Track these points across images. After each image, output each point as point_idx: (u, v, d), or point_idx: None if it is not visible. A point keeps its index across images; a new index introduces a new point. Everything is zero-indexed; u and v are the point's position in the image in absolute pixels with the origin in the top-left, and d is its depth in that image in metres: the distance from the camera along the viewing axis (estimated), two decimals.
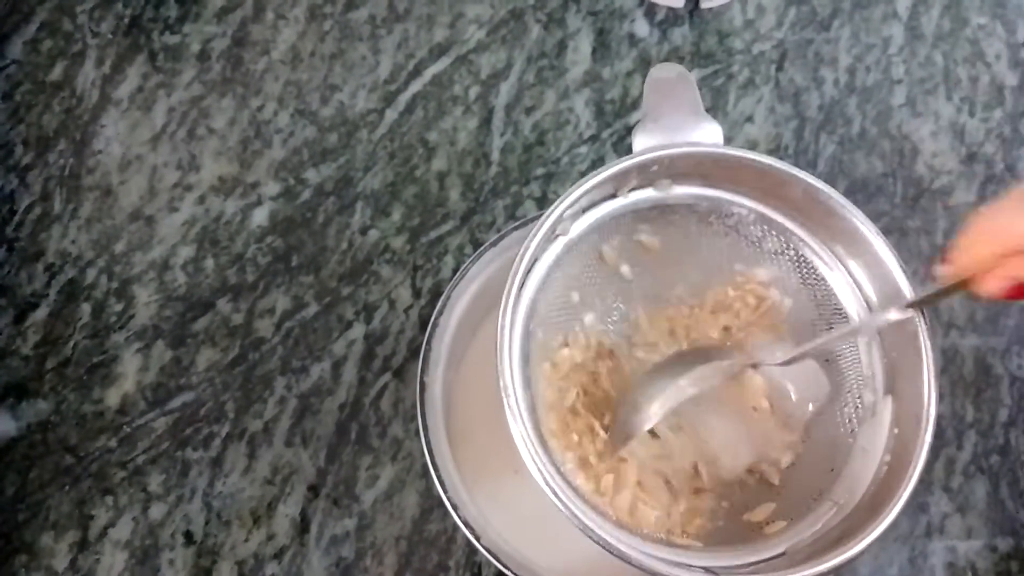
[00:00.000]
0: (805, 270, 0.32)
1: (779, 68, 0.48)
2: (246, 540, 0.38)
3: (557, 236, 0.30)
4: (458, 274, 0.35)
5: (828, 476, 0.28)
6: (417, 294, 0.42)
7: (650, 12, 0.49)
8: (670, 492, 0.30)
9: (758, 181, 0.31)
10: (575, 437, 0.30)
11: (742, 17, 0.49)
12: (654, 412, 0.29)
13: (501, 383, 0.26)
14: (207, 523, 0.38)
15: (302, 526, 0.38)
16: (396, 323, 0.41)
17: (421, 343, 0.41)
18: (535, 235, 0.28)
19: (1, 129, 0.44)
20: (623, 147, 0.46)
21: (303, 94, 0.46)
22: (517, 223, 0.36)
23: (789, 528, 0.27)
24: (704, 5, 0.49)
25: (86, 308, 0.41)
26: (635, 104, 0.47)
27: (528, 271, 0.29)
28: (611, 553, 0.25)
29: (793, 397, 0.31)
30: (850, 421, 0.29)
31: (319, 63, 0.46)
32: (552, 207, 0.29)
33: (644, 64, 0.48)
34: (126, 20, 0.47)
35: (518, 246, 0.35)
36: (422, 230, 0.43)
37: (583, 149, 0.46)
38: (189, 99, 0.45)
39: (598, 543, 0.25)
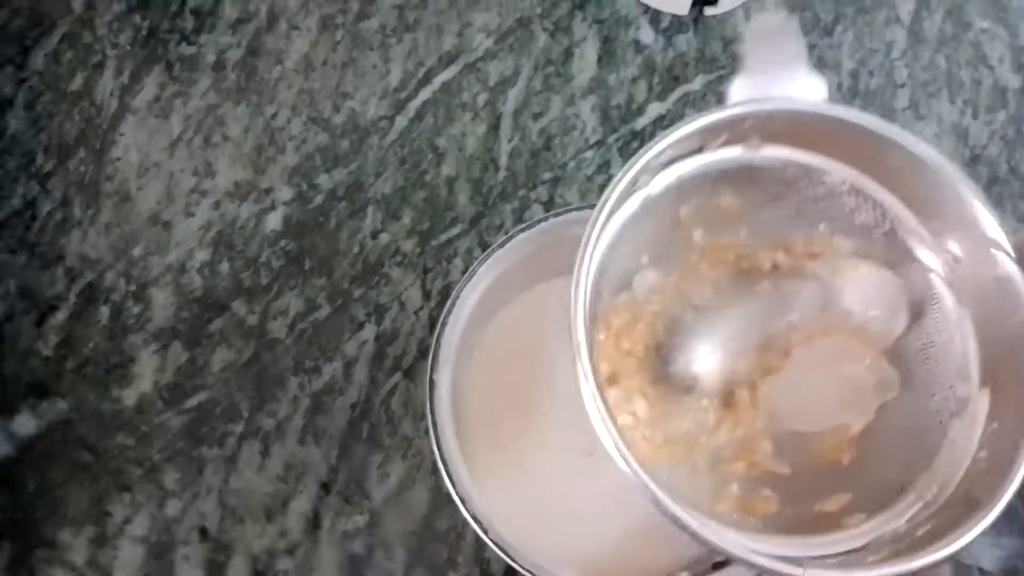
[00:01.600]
0: (899, 248, 0.29)
1: None
2: (259, 536, 0.38)
3: (636, 190, 0.29)
4: (466, 275, 0.36)
5: (912, 469, 0.27)
6: (427, 296, 0.43)
7: (655, 19, 0.50)
8: (731, 470, 0.29)
9: (858, 144, 0.28)
10: (634, 406, 0.29)
11: (746, 23, 0.50)
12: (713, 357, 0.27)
13: (573, 341, 0.25)
14: (222, 519, 0.38)
15: (314, 522, 0.39)
16: (406, 324, 0.42)
17: (431, 343, 0.42)
18: (615, 186, 0.26)
19: (24, 137, 0.45)
20: (629, 151, 0.47)
21: (315, 102, 0.47)
22: (524, 225, 0.37)
23: (869, 520, 0.26)
24: (708, 12, 0.50)
25: (105, 311, 0.42)
26: (640, 110, 0.48)
27: (604, 225, 0.27)
28: (688, 533, 0.23)
29: (878, 313, 0.29)
30: (939, 412, 0.28)
31: (331, 72, 0.48)
32: (636, 156, 0.27)
33: (649, 71, 0.49)
34: (144, 32, 0.48)
35: (526, 247, 0.37)
36: (432, 233, 0.44)
37: (589, 154, 0.46)
38: (205, 107, 0.46)
39: (676, 522, 0.23)
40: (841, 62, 0.49)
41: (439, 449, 0.33)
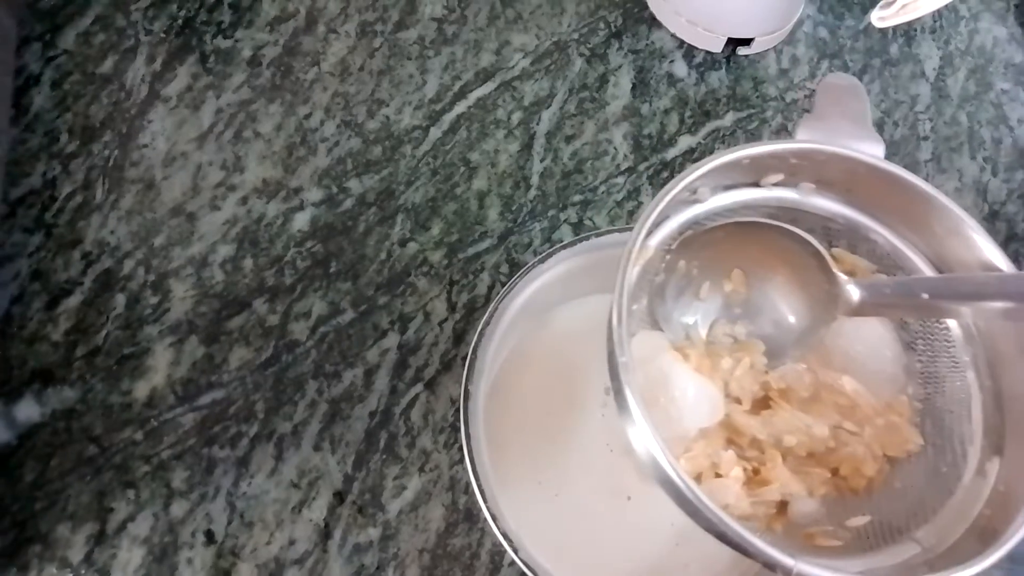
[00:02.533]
0: (927, 319, 0.31)
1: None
2: (268, 543, 0.37)
3: (695, 200, 0.29)
4: (506, 287, 0.35)
5: (915, 520, 0.27)
6: (452, 308, 0.42)
7: (689, 54, 0.51)
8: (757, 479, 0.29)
9: (904, 206, 0.30)
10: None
11: (776, 66, 0.51)
12: None
13: (614, 339, 0.25)
14: (229, 523, 0.37)
15: (325, 532, 0.37)
16: (430, 335, 0.41)
17: (454, 356, 0.41)
18: (671, 188, 0.27)
19: (48, 116, 0.44)
20: (659, 180, 0.47)
21: (350, 106, 0.46)
22: (566, 243, 0.37)
23: (868, 555, 0.27)
24: (741, 52, 0.51)
25: (121, 299, 0.40)
26: (671, 141, 0.48)
27: (656, 224, 0.28)
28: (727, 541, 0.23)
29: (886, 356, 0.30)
30: (949, 473, 0.28)
31: (367, 78, 0.47)
32: (693, 167, 0.28)
33: (682, 103, 0.49)
34: (179, 21, 0.47)
35: (566, 264, 0.36)
36: (460, 246, 0.44)
37: (619, 180, 0.46)
38: (238, 102, 0.45)
39: (716, 529, 0.24)
40: (867, 111, 0.50)
41: (471, 462, 0.32)
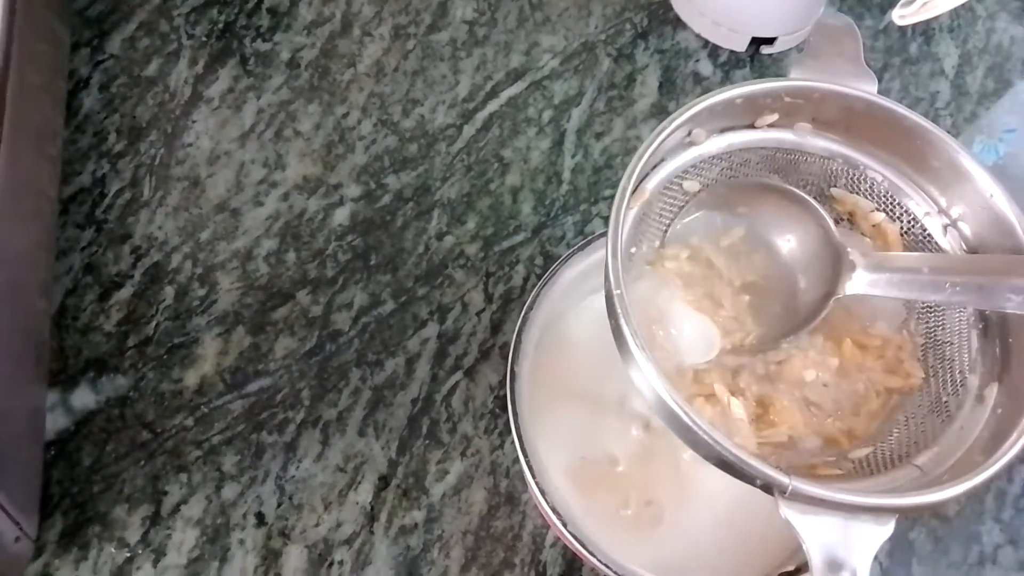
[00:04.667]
0: (927, 245, 0.31)
1: None
2: (316, 525, 0.38)
3: (690, 143, 0.30)
4: (548, 272, 0.37)
5: (916, 446, 0.28)
6: (489, 299, 0.43)
7: (713, 53, 0.52)
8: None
9: (901, 142, 0.30)
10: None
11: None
12: None
13: (609, 274, 0.26)
14: (279, 506, 0.38)
15: (371, 514, 0.38)
16: (468, 325, 0.43)
17: (492, 345, 0.42)
18: (666, 127, 0.28)
19: (97, 117, 0.45)
20: None
21: (386, 105, 0.48)
22: (606, 230, 0.38)
23: (867, 479, 0.27)
24: (765, 51, 0.52)
25: (169, 291, 0.42)
26: None
27: (651, 166, 0.28)
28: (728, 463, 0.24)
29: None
30: (949, 402, 0.29)
31: (402, 78, 0.49)
32: (687, 106, 0.28)
33: None
34: (220, 25, 0.49)
35: (603, 250, 0.37)
36: (495, 239, 0.45)
37: None
38: (277, 103, 0.47)
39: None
40: None
41: (519, 439, 0.33)
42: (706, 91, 0.51)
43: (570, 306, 0.38)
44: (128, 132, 0.45)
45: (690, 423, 0.24)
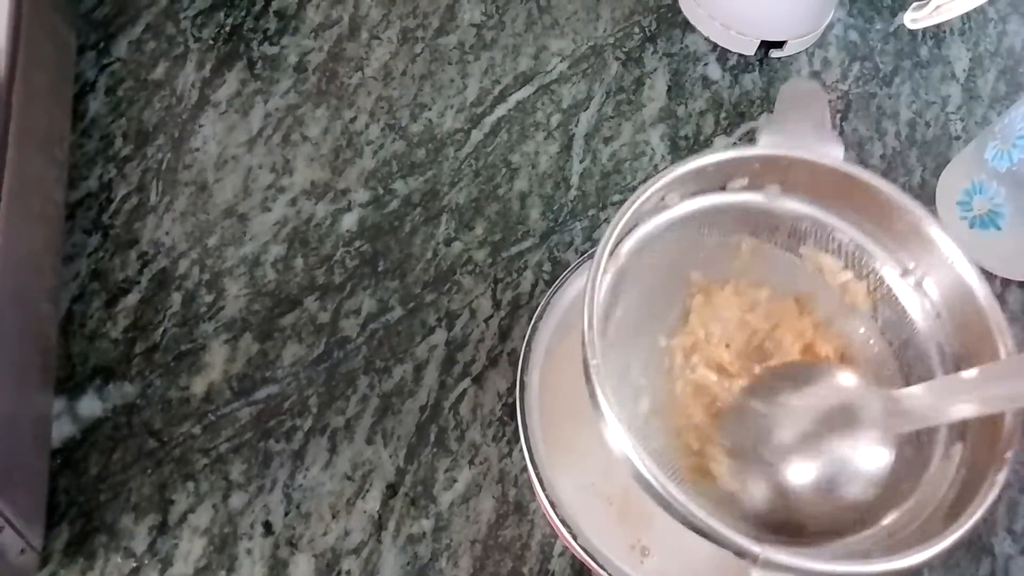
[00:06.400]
0: (896, 314, 0.32)
1: (843, 118, 0.51)
2: (324, 534, 0.38)
3: (663, 207, 0.31)
4: (557, 280, 0.36)
5: (884, 506, 0.28)
6: (497, 305, 0.43)
7: (722, 57, 0.52)
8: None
9: (868, 205, 0.31)
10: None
11: (808, 68, 0.52)
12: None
13: (585, 343, 0.27)
14: (287, 514, 0.38)
15: (379, 523, 0.38)
16: (476, 332, 0.42)
17: (500, 352, 0.42)
18: (638, 197, 0.29)
19: (103, 121, 0.45)
20: None
21: (394, 110, 0.47)
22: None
23: (835, 539, 0.27)
24: (773, 54, 0.52)
25: (177, 297, 0.41)
26: (708, 142, 0.49)
27: (626, 231, 0.29)
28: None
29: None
30: (916, 461, 0.29)
31: (409, 82, 0.48)
32: (660, 174, 0.30)
33: (716, 105, 0.50)
34: (227, 29, 0.49)
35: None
36: (503, 245, 0.45)
37: None
38: (285, 107, 0.47)
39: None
40: (899, 112, 0.51)
41: (529, 451, 0.33)
42: (715, 95, 0.50)
43: (580, 315, 0.37)
44: (135, 136, 0.45)
45: (664, 494, 0.25)
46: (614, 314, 0.31)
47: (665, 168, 0.30)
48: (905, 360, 0.31)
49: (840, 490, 0.28)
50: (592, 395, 0.27)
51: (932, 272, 0.31)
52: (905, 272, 0.31)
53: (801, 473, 0.28)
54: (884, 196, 0.31)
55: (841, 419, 0.29)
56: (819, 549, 0.27)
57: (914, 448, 0.29)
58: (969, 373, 0.27)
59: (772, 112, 0.35)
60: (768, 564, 0.24)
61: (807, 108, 0.32)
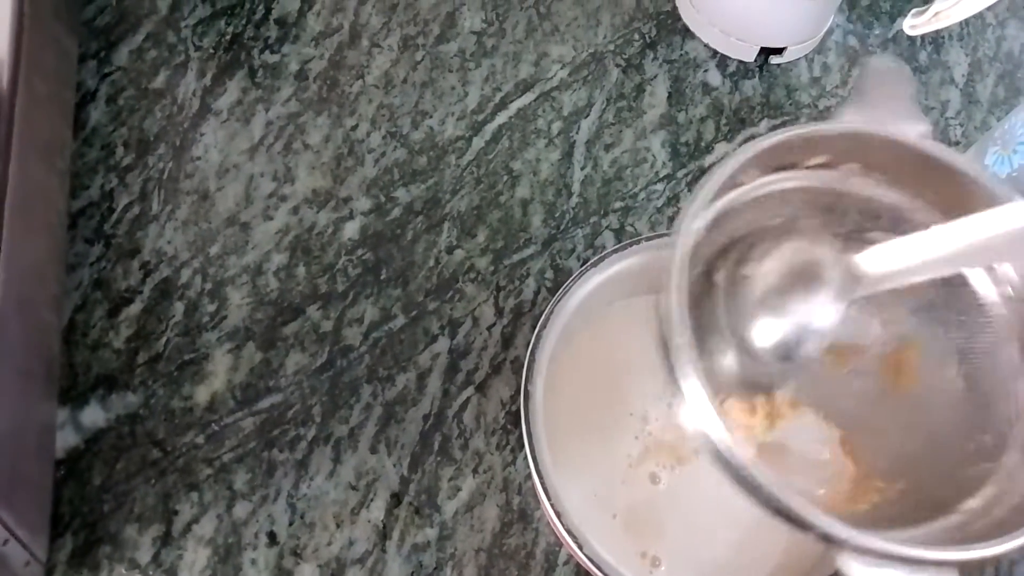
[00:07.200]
0: (968, 297, 0.30)
1: None
2: (328, 543, 0.38)
3: (739, 184, 0.29)
4: (562, 289, 0.36)
5: (960, 494, 0.27)
6: (500, 313, 0.43)
7: (722, 63, 0.52)
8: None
9: (947, 190, 0.29)
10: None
11: (808, 74, 0.52)
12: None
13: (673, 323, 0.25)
14: (291, 524, 0.38)
15: (384, 532, 0.38)
16: (479, 340, 0.42)
17: (503, 360, 0.42)
18: (719, 169, 0.27)
19: (104, 130, 0.45)
20: None
21: (395, 117, 0.47)
22: (618, 246, 0.38)
23: (910, 527, 0.27)
24: (773, 60, 0.52)
25: (179, 306, 0.41)
26: (708, 148, 0.49)
27: (702, 210, 0.27)
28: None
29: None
30: (996, 445, 0.28)
31: (410, 90, 0.48)
32: (740, 150, 0.28)
33: (717, 111, 0.50)
34: (228, 37, 0.49)
35: (618, 266, 0.37)
36: (505, 253, 0.45)
37: (659, 187, 0.48)
38: (286, 115, 0.47)
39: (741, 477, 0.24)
40: None
41: (534, 461, 0.33)
42: (715, 102, 0.50)
43: (584, 324, 0.37)
44: (136, 145, 0.45)
45: (757, 481, 0.24)
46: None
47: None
48: (973, 349, 0.30)
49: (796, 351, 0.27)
50: (671, 372, 0.25)
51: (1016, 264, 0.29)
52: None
53: (763, 333, 0.28)
54: (968, 179, 0.29)
55: (801, 279, 0.28)
56: (904, 532, 0.26)
57: (992, 435, 0.29)
58: (925, 232, 0.26)
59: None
60: (859, 548, 0.23)
61: (890, 86, 0.30)
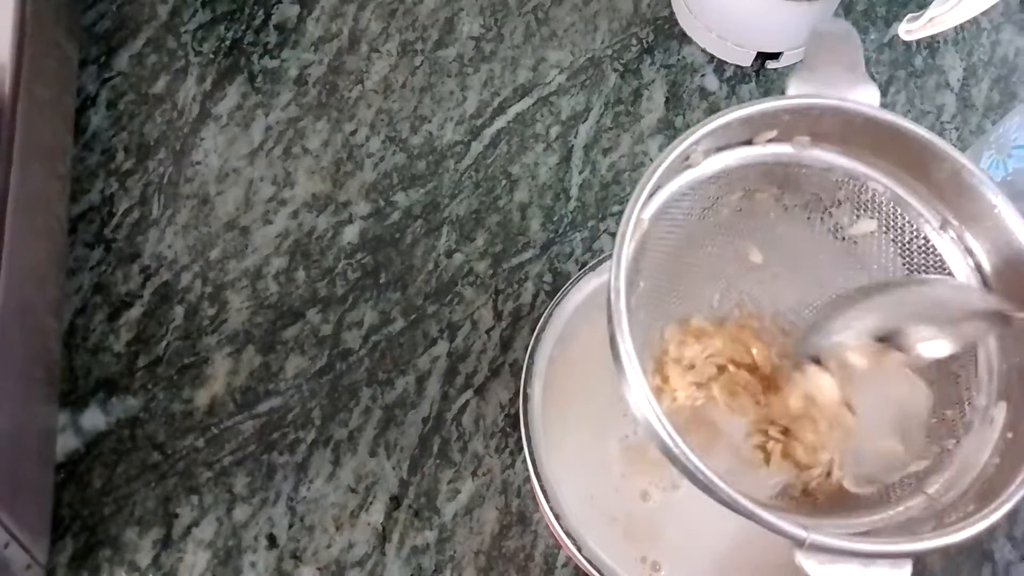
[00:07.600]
0: (933, 260, 0.30)
1: None
2: (328, 546, 0.38)
3: (687, 167, 0.29)
4: (560, 292, 0.37)
5: (924, 472, 0.28)
6: (499, 316, 0.43)
7: (719, 68, 0.52)
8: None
9: (904, 154, 0.29)
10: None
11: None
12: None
13: (612, 315, 0.26)
14: (290, 527, 0.38)
15: (383, 535, 0.38)
16: (478, 343, 0.43)
17: (502, 363, 0.42)
18: (667, 155, 0.27)
19: (105, 135, 0.45)
20: None
21: (394, 122, 0.48)
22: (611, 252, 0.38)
23: (875, 510, 0.27)
24: (770, 65, 0.52)
25: (179, 310, 0.42)
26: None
27: (651, 194, 0.28)
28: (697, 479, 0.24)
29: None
30: (956, 422, 0.28)
31: (409, 95, 0.49)
32: (688, 132, 0.28)
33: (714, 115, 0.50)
34: (227, 42, 0.49)
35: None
36: (504, 256, 0.45)
37: None
38: (286, 120, 0.47)
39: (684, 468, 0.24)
40: None
41: (533, 463, 0.33)
42: (712, 106, 0.51)
43: (582, 327, 0.38)
44: (136, 150, 0.45)
45: (708, 482, 0.24)
46: (637, 284, 0.30)
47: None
48: None
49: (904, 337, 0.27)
50: (617, 362, 0.26)
51: (973, 223, 0.29)
52: (944, 224, 0.30)
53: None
54: (921, 143, 0.29)
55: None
56: (863, 520, 0.27)
57: (954, 408, 0.29)
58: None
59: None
60: (814, 546, 0.24)
61: (837, 51, 0.30)
